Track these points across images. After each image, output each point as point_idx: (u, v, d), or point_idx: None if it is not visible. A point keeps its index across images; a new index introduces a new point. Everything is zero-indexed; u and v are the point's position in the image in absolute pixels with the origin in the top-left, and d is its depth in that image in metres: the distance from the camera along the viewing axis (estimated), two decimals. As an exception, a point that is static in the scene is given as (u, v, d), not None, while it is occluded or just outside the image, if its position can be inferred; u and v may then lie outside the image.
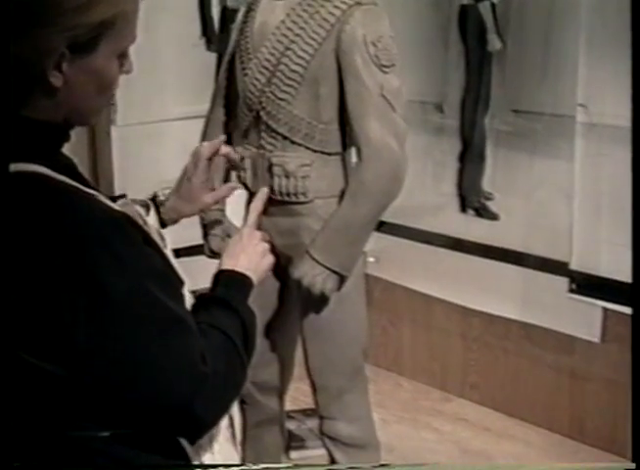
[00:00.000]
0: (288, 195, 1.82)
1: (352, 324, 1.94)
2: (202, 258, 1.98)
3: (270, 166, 1.82)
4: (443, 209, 2.83)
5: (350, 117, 1.76)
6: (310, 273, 1.79)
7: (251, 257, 1.40)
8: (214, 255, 1.95)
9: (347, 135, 1.83)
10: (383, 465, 1.84)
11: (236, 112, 1.89)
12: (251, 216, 1.58)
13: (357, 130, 1.76)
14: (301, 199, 1.82)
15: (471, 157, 2.73)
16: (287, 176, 1.80)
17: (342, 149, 1.84)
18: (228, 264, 1.37)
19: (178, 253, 1.36)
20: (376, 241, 1.99)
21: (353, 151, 1.84)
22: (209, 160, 1.61)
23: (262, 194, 1.75)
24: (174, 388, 1.08)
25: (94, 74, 1.11)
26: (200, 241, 1.96)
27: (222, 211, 1.92)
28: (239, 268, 1.36)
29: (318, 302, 1.86)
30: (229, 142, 1.98)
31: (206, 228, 1.93)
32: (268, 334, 2.00)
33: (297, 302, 1.92)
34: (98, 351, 1.05)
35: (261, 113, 1.81)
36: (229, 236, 1.91)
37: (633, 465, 1.10)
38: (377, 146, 1.74)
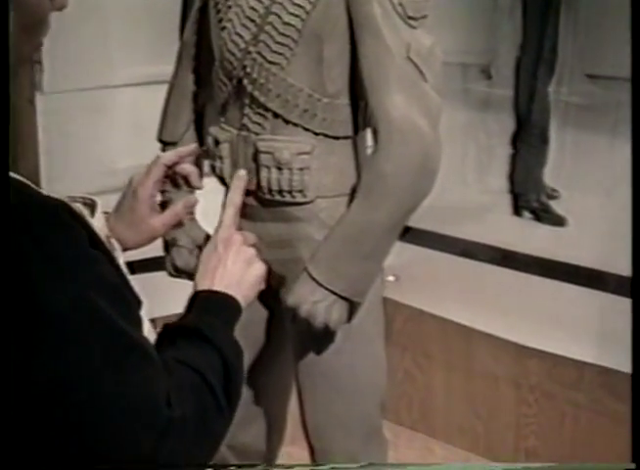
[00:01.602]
0: (280, 193, 1.85)
1: (366, 368, 1.98)
2: (163, 275, 2.02)
3: (256, 154, 1.85)
4: (490, 210, 2.87)
5: (366, 89, 1.79)
6: (310, 299, 1.82)
7: (231, 269, 1.44)
8: (179, 273, 1.99)
9: (361, 112, 1.87)
10: (385, 464, 1.94)
11: (210, 79, 1.93)
12: (227, 214, 1.60)
13: (375, 106, 1.79)
14: (298, 198, 1.86)
15: (528, 139, 2.78)
16: (279, 168, 1.83)
17: (354, 131, 1.89)
18: (203, 285, 1.41)
19: (132, 267, 1.39)
20: (398, 253, 2.02)
21: (369, 134, 1.89)
22: (169, 168, 1.65)
23: (239, 180, 1.77)
24: (130, 436, 1.09)
25: (17, 7, 1.13)
26: (160, 252, 2.00)
27: (190, 213, 1.95)
28: (217, 287, 1.40)
29: (320, 337, 1.89)
30: (199, 120, 2.03)
31: (169, 237, 1.97)
32: (252, 381, 2.03)
33: (292, 337, 1.96)
34: (28, 385, 1.05)
35: (245, 81, 1.84)
36: (199, 248, 1.94)
37: (633, 465, 1.28)
38: (401, 126, 1.77)
